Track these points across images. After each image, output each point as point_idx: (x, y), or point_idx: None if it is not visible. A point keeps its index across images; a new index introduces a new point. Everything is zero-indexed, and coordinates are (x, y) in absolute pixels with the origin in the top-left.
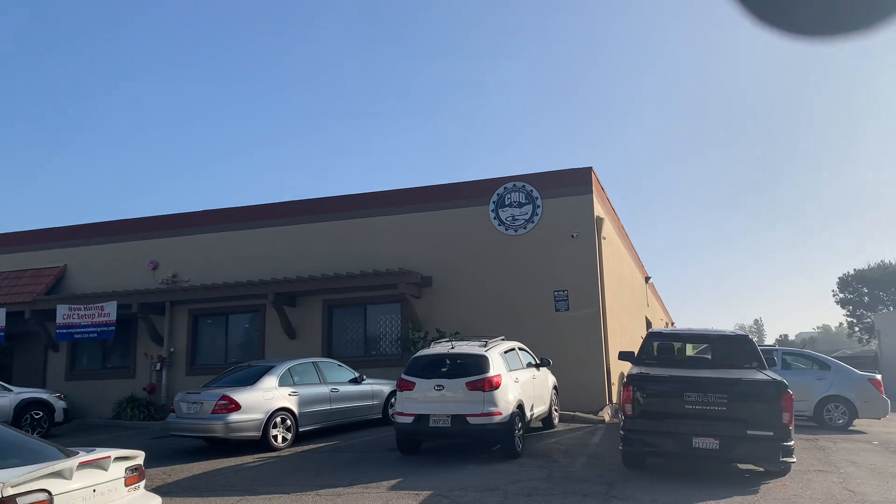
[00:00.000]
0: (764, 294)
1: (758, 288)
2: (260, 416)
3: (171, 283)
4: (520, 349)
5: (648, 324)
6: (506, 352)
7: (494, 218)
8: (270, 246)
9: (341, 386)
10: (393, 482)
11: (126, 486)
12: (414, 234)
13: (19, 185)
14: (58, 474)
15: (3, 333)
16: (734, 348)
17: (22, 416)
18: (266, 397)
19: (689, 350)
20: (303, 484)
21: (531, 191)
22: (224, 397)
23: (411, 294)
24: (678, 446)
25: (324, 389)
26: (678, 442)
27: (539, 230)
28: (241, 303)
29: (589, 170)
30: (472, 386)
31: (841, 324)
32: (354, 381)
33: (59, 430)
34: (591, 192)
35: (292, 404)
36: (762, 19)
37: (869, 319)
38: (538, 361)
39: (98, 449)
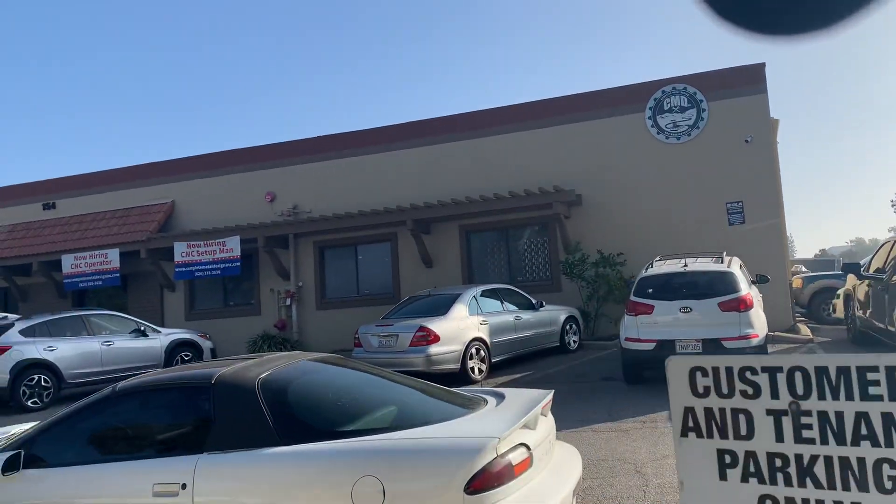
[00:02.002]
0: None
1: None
2: (458, 347)
3: (291, 215)
4: (741, 265)
5: None
6: (739, 267)
7: (652, 126)
8: (398, 170)
9: (523, 313)
10: (663, 414)
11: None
12: (559, 149)
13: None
14: (526, 425)
15: (118, 274)
16: None
17: (172, 357)
18: (460, 327)
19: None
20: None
21: (694, 93)
22: (423, 328)
23: (564, 214)
24: None
25: (508, 317)
26: None
27: (705, 136)
28: (372, 232)
29: (762, 66)
30: (727, 306)
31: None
32: (532, 308)
33: None
34: (766, 90)
35: (484, 334)
36: (724, 18)
37: None
38: (754, 278)
39: (511, 389)
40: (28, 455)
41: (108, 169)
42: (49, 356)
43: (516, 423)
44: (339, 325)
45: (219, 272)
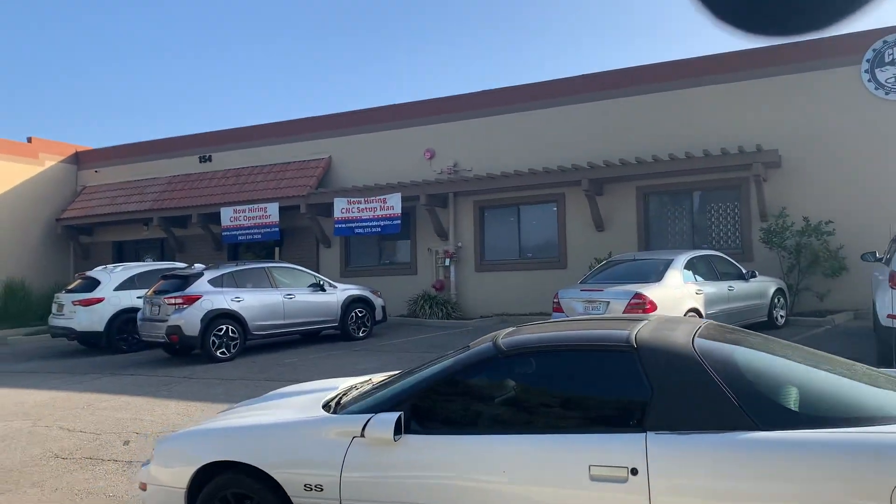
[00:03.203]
0: None
1: None
2: None
3: (452, 173)
4: None
5: None
6: None
7: (869, 80)
8: (566, 127)
9: (735, 283)
10: None
11: None
12: (752, 106)
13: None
14: None
15: (277, 229)
16: None
17: (347, 313)
18: (676, 295)
19: None
20: None
21: None
22: (639, 295)
23: (763, 177)
24: None
25: (722, 287)
26: None
27: None
28: (537, 192)
29: None
30: None
31: None
32: (743, 278)
33: (377, 329)
34: None
35: (699, 304)
36: (719, 18)
37: None
38: None
39: None
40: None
41: (264, 123)
42: (236, 307)
43: None
44: (499, 287)
45: (378, 229)
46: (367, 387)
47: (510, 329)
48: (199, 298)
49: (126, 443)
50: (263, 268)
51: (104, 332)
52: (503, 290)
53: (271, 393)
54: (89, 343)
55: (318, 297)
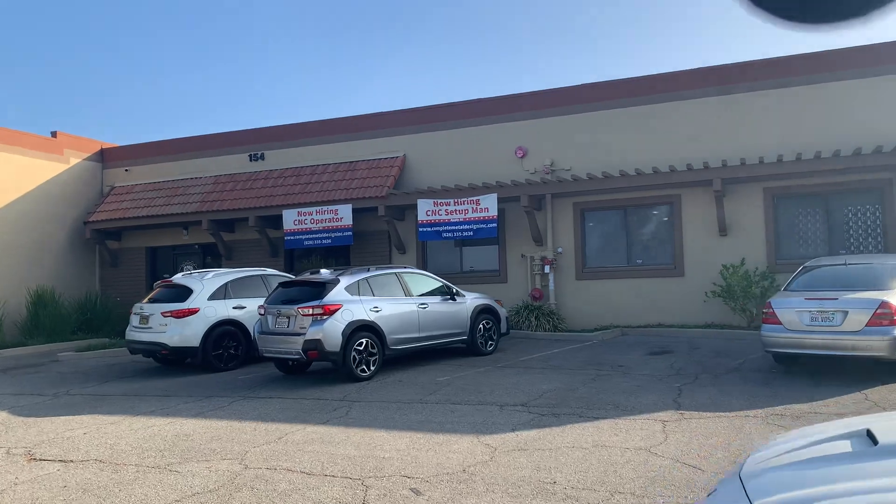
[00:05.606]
0: None
1: None
2: None
3: (549, 173)
4: None
5: None
6: None
7: None
8: (680, 124)
9: None
10: None
11: None
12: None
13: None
14: None
15: (350, 232)
16: None
17: (476, 324)
18: None
19: None
20: None
21: None
22: (885, 304)
23: None
24: None
25: None
26: None
27: None
28: (647, 194)
29: None
30: None
31: None
32: None
33: (504, 343)
34: None
35: None
36: (758, 6)
37: None
38: None
39: None
40: None
41: (324, 119)
42: (375, 317)
43: None
44: (604, 297)
45: (471, 233)
46: None
47: None
48: (339, 308)
49: (416, 492)
50: (395, 273)
51: (200, 348)
52: (609, 299)
53: (796, 436)
54: (168, 360)
55: (450, 307)
